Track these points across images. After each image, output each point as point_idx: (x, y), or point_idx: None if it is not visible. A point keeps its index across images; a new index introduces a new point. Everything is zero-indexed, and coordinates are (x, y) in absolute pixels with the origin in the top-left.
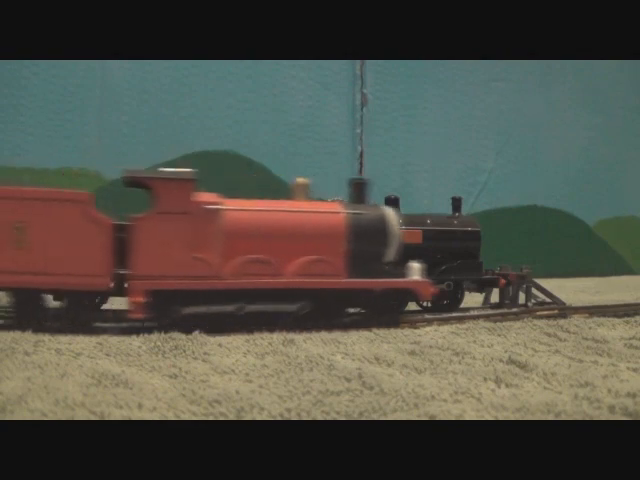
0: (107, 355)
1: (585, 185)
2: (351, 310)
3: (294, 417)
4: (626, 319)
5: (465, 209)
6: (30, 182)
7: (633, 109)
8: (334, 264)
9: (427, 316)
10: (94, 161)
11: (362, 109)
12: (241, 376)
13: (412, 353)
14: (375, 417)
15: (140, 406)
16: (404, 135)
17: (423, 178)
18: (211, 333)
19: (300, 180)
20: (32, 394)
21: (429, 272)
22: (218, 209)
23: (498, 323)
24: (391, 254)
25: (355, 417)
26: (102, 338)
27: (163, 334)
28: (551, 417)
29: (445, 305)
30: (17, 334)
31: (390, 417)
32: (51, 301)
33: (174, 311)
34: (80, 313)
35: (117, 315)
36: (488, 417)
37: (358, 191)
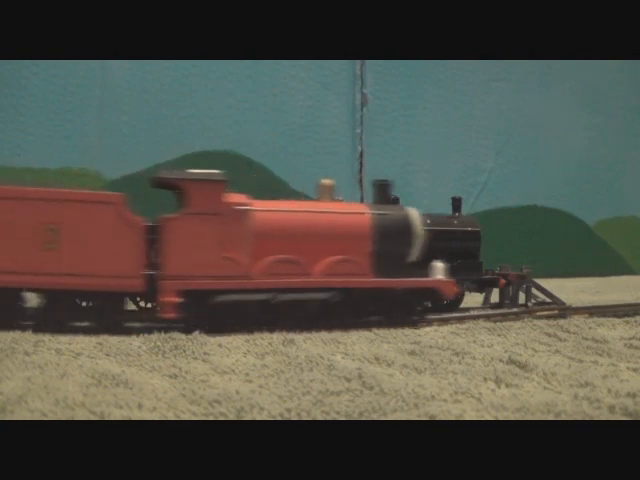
0: (107, 355)
1: (585, 185)
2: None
3: (294, 417)
4: (626, 319)
5: (465, 209)
6: (30, 182)
7: (633, 109)
8: (360, 264)
9: (427, 316)
10: (94, 161)
11: (362, 109)
12: (241, 376)
13: (412, 353)
14: (375, 417)
15: (140, 406)
16: (404, 135)
17: (423, 178)
18: (211, 333)
19: (325, 181)
20: (32, 394)
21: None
22: (248, 210)
23: (498, 323)
24: (415, 254)
25: (355, 417)
26: (102, 338)
27: (163, 334)
28: (551, 417)
29: (445, 305)
30: (17, 334)
31: (390, 417)
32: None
33: (204, 301)
34: (110, 314)
35: (147, 315)
36: (488, 417)
37: (382, 192)
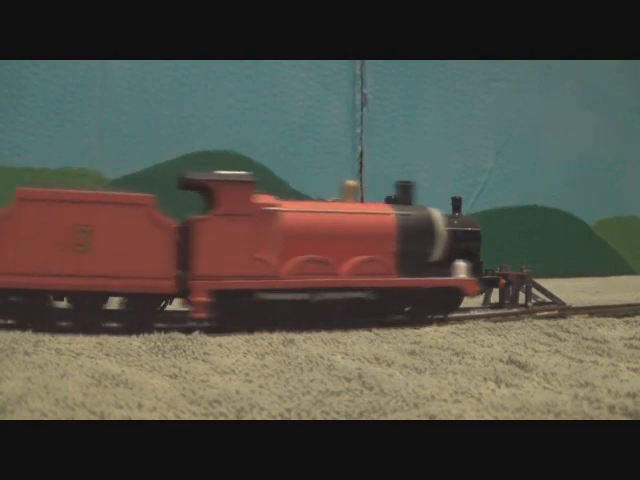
0: (107, 355)
1: (585, 185)
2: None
3: (294, 417)
4: (626, 319)
5: (465, 209)
6: (30, 182)
7: (633, 109)
8: (385, 263)
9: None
10: (94, 161)
11: (362, 109)
12: (241, 376)
13: (412, 353)
14: (375, 417)
15: (140, 406)
16: (404, 135)
17: (423, 178)
18: (211, 334)
19: (350, 182)
20: (32, 394)
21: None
22: (276, 210)
23: (498, 323)
24: (437, 253)
25: (355, 417)
26: (102, 338)
27: (163, 334)
28: (551, 417)
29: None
30: (17, 334)
31: (390, 417)
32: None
33: (244, 299)
34: (141, 315)
35: (178, 315)
36: (488, 417)
37: (405, 193)
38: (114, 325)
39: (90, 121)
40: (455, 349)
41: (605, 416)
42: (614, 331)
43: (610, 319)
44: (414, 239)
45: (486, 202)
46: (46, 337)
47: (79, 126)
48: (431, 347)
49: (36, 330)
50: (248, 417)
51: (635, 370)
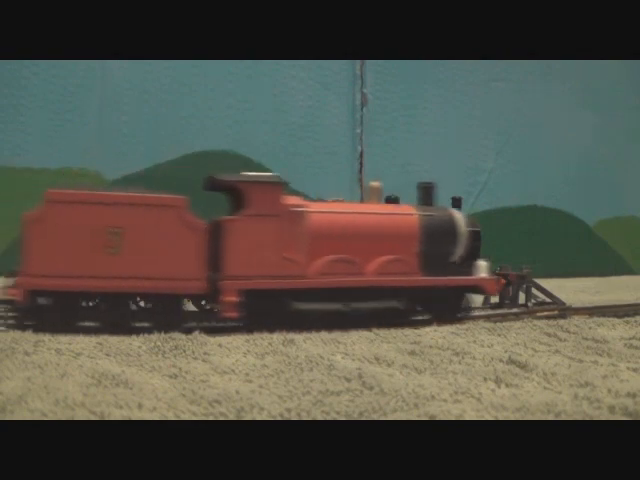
0: (107, 355)
1: (585, 185)
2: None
3: (294, 417)
4: (626, 319)
5: (465, 209)
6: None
7: (633, 109)
8: (409, 263)
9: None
10: (94, 161)
11: (362, 109)
12: (241, 376)
13: (412, 353)
14: (375, 417)
15: (140, 406)
16: (404, 135)
17: (423, 178)
18: (211, 334)
19: (374, 183)
20: (32, 394)
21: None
22: (304, 211)
23: (498, 323)
24: (459, 253)
25: (355, 417)
26: (102, 338)
27: (163, 334)
28: (551, 417)
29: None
30: (17, 334)
31: (390, 417)
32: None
33: (283, 306)
34: (170, 315)
35: (206, 315)
36: (488, 417)
37: (426, 194)
38: (145, 325)
39: (90, 121)
40: (455, 349)
41: (605, 416)
42: (614, 331)
43: (610, 319)
44: (436, 239)
45: (486, 202)
46: (46, 337)
47: (79, 126)
48: (431, 347)
49: (64, 331)
50: (248, 417)
51: (635, 370)
